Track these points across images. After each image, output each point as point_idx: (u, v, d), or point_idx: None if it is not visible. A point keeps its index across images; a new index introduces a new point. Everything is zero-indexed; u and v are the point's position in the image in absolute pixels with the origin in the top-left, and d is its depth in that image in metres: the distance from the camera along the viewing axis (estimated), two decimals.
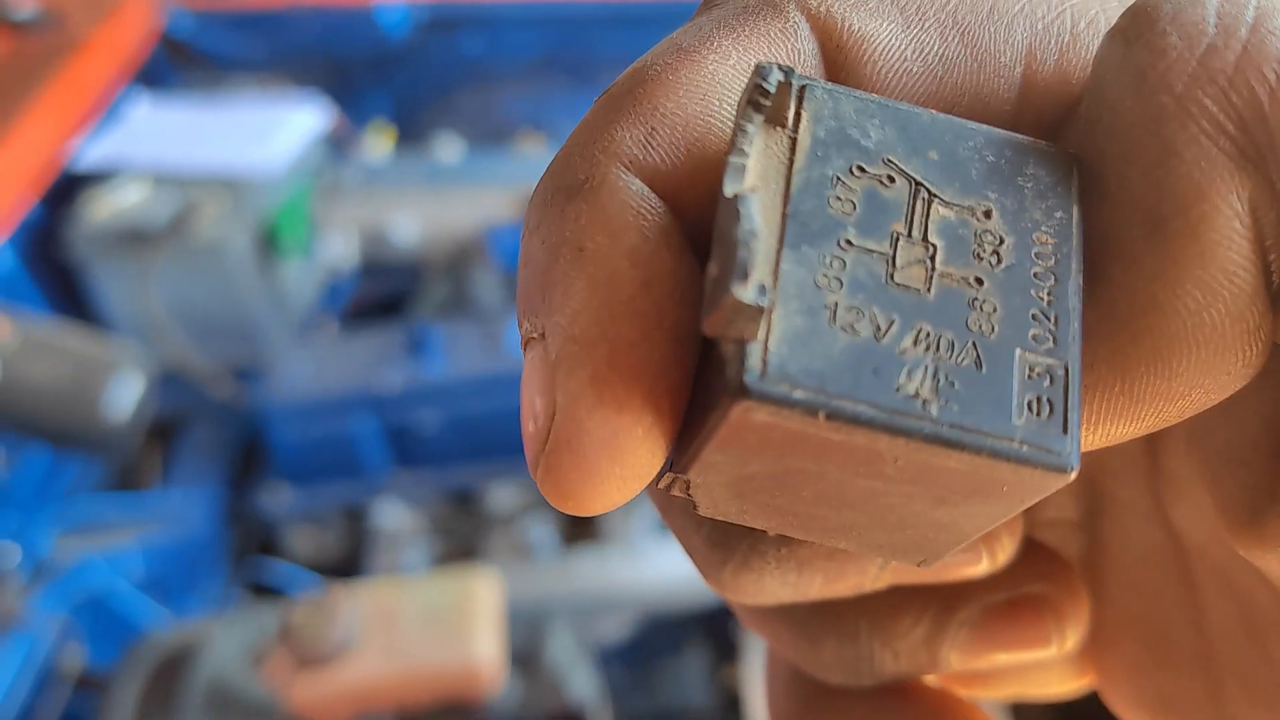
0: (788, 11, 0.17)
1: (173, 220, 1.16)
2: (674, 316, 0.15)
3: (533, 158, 1.32)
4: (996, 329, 0.15)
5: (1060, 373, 0.15)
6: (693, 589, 1.08)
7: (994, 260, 0.15)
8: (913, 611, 0.22)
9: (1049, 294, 0.15)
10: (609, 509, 0.16)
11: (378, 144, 1.42)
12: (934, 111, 0.16)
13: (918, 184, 0.15)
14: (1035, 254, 0.15)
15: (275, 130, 1.25)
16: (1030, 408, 0.14)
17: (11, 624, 0.93)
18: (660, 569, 1.07)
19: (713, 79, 0.17)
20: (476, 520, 1.16)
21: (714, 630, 1.13)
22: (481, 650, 0.85)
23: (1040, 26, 0.17)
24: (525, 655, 0.94)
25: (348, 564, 1.17)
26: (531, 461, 0.16)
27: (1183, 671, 0.21)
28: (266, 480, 1.18)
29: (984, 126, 0.16)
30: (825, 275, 0.15)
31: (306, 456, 1.16)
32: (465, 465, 1.17)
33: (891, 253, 0.15)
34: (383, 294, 1.33)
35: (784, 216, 0.15)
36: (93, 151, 1.22)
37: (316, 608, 0.84)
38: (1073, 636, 0.22)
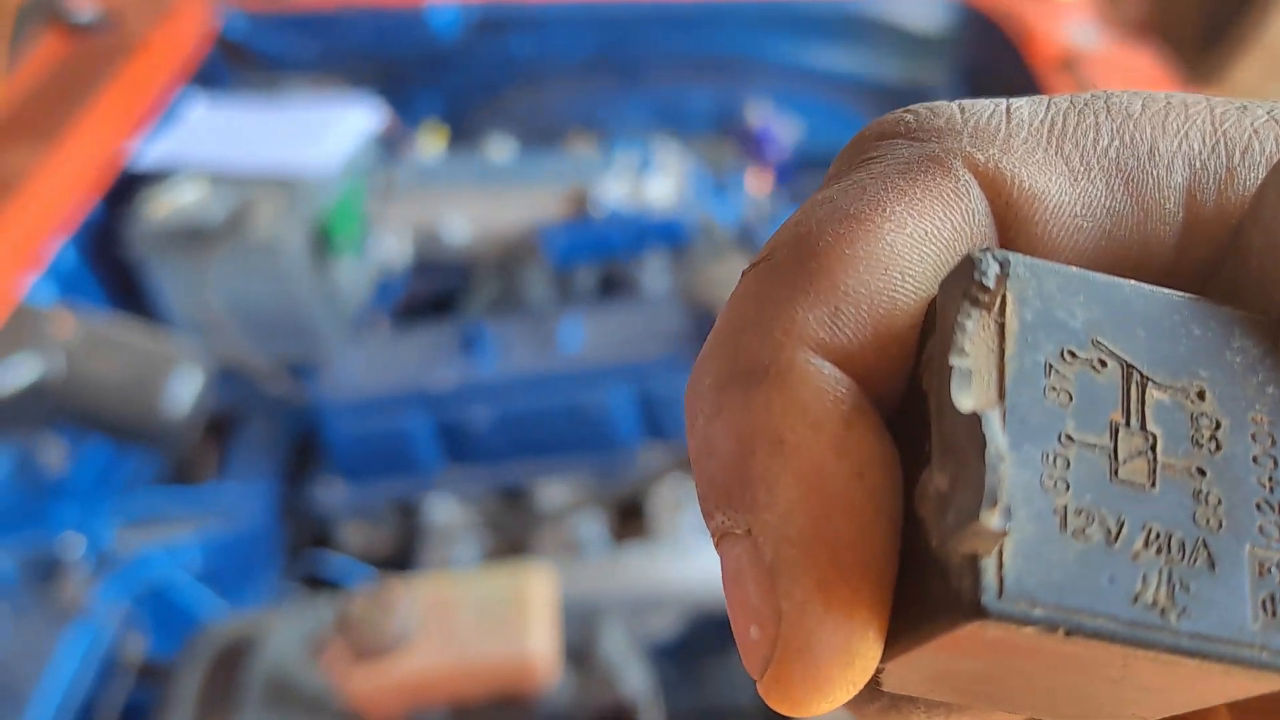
0: (955, 170, 0.16)
1: (229, 219, 1.18)
2: (889, 507, 0.15)
3: (583, 157, 1.33)
4: (1224, 523, 0.14)
5: None
6: None
7: (1213, 447, 0.15)
8: None
9: (1270, 479, 0.15)
10: (830, 711, 0.15)
11: (431, 144, 1.43)
12: (1134, 283, 0.15)
13: (1130, 367, 0.15)
14: (1253, 435, 0.15)
15: (329, 130, 1.27)
16: (1265, 607, 0.14)
17: (76, 613, 0.95)
18: (709, 567, 1.08)
19: (892, 251, 0.16)
20: (526, 516, 1.17)
21: None
22: (536, 644, 0.85)
23: (1198, 164, 0.17)
24: (578, 650, 0.95)
25: (399, 559, 1.18)
26: (756, 669, 0.15)
27: None
28: (320, 475, 1.20)
29: (1188, 295, 0.16)
30: (1050, 476, 0.14)
31: (360, 452, 1.17)
32: (516, 462, 1.18)
33: (1113, 445, 0.14)
34: (434, 292, 1.34)
35: (1003, 411, 0.14)
36: (151, 151, 1.25)
37: (374, 600, 0.85)
38: None
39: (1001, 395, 0.14)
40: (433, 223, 1.28)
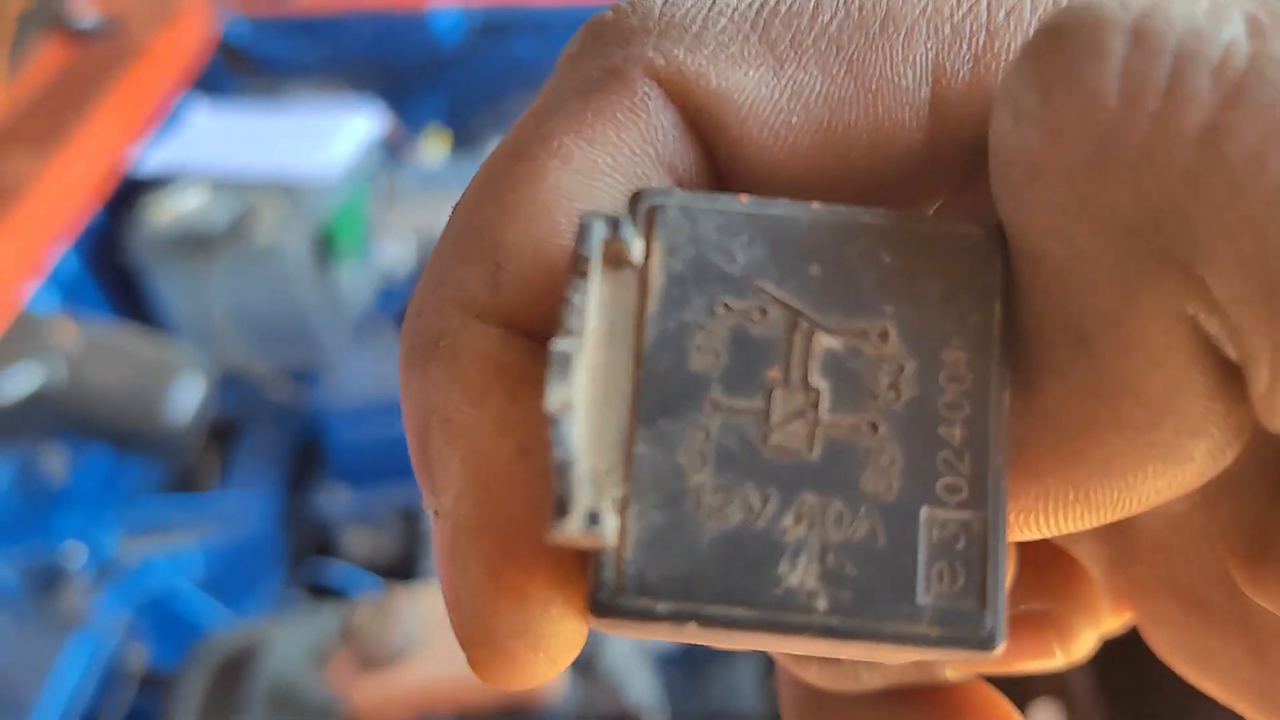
0: (633, 81, 0.15)
1: (232, 225, 1.17)
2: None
3: None
4: (896, 486, 0.13)
5: (976, 528, 0.13)
6: None
7: (892, 396, 0.13)
8: None
9: (963, 427, 0.13)
10: (549, 680, 0.15)
11: (433, 148, 1.43)
12: (818, 206, 0.14)
13: (796, 312, 0.13)
14: (944, 377, 0.13)
15: (332, 135, 1.26)
16: (940, 578, 0.12)
17: (78, 622, 0.95)
18: None
19: (557, 193, 0.14)
20: None
21: None
22: None
23: (949, 29, 0.15)
24: (583, 659, 0.94)
25: (402, 565, 1.18)
26: (461, 647, 0.15)
27: (1222, 632, 0.19)
28: (323, 482, 1.19)
29: (879, 214, 0.14)
30: (688, 452, 0.13)
31: (363, 458, 1.17)
32: None
33: (766, 409, 0.13)
34: None
35: (636, 382, 0.13)
36: (153, 157, 1.24)
37: (378, 609, 0.84)
38: (1081, 647, 0.20)
39: (639, 364, 0.13)
40: (436, 228, 1.28)
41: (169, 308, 1.21)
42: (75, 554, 1.01)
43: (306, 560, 1.19)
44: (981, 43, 0.15)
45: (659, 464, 0.13)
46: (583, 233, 0.13)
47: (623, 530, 0.12)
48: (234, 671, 0.89)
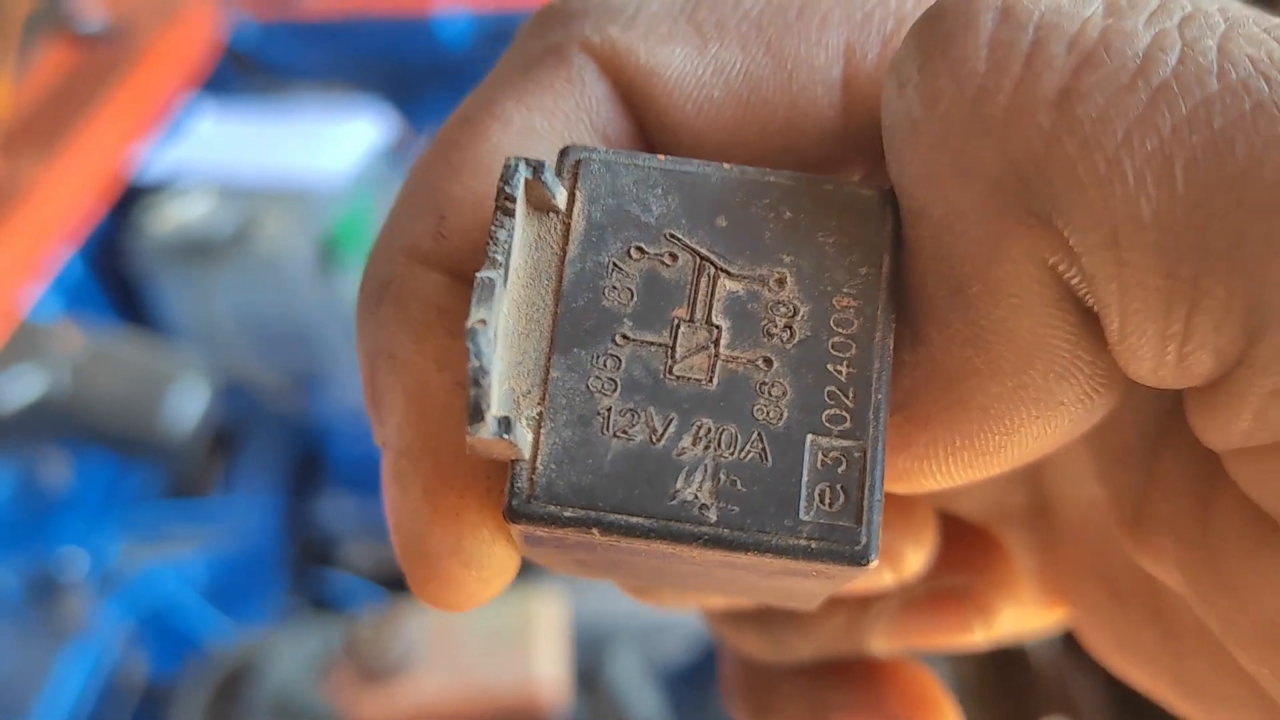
0: (570, 56, 0.16)
1: (236, 232, 1.17)
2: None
3: None
4: (785, 415, 0.14)
5: (857, 455, 0.14)
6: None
7: (786, 336, 0.14)
8: (829, 604, 0.21)
9: (849, 366, 0.14)
10: (483, 604, 0.16)
11: None
12: (727, 166, 0.15)
13: (702, 258, 0.14)
14: (834, 321, 0.14)
15: (338, 141, 1.26)
16: (822, 498, 0.14)
17: (78, 631, 0.94)
18: None
19: (496, 151, 0.16)
20: None
21: None
22: (544, 670, 0.84)
23: (860, 16, 0.16)
24: (587, 675, 0.93)
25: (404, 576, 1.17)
26: (401, 567, 0.16)
27: (1137, 618, 0.20)
28: (325, 490, 1.19)
29: (784, 175, 0.15)
30: (598, 378, 0.14)
31: (365, 467, 1.16)
32: None
33: (671, 343, 0.14)
34: None
35: (555, 316, 0.14)
36: (158, 162, 1.24)
37: (381, 623, 0.84)
38: (1001, 624, 0.21)
39: (558, 300, 0.14)
40: None
41: (172, 314, 1.20)
42: (76, 561, 1.00)
43: (308, 570, 1.18)
44: (890, 29, 0.16)
45: (571, 388, 0.14)
46: (506, 173, 0.14)
47: (535, 444, 0.14)
48: (235, 685, 0.88)
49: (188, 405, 1.03)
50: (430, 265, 0.16)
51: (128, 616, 0.98)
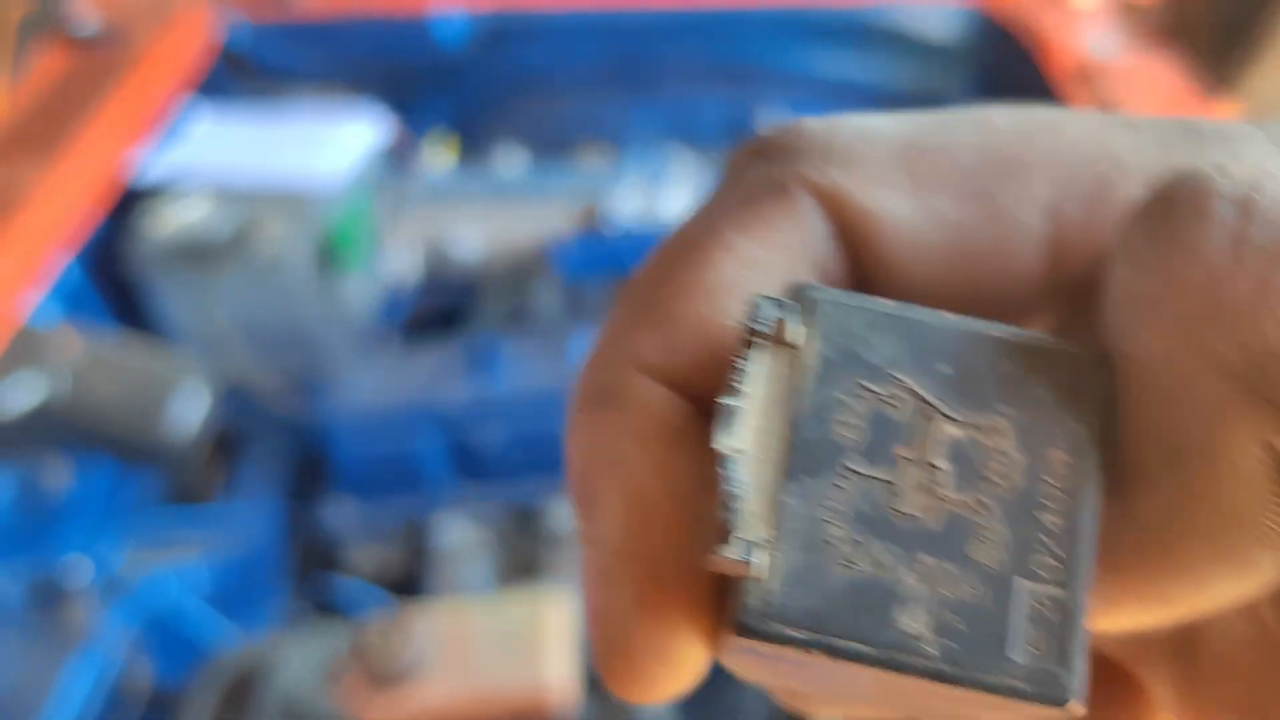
0: (794, 195, 0.17)
1: (235, 235, 1.16)
2: (704, 522, 0.16)
3: (595, 169, 1.31)
4: (1000, 559, 0.15)
5: (1065, 602, 0.15)
6: None
7: (1002, 483, 0.15)
8: None
9: (1061, 516, 0.15)
10: (673, 696, 0.17)
11: (441, 156, 1.42)
12: (950, 315, 0.16)
13: (926, 403, 0.15)
14: (1048, 473, 0.15)
15: (336, 143, 1.25)
16: (1031, 641, 0.14)
17: (82, 639, 0.93)
18: None
19: (720, 279, 0.17)
20: (539, 537, 1.15)
21: None
22: (555, 673, 0.84)
23: (1068, 177, 0.17)
24: (597, 678, 0.93)
25: (409, 579, 1.16)
26: (596, 658, 0.16)
27: None
28: (328, 494, 1.18)
29: (1003, 328, 0.16)
30: (827, 507, 0.15)
31: (368, 471, 1.16)
32: (528, 480, 1.16)
33: (895, 480, 0.15)
34: (440, 307, 1.32)
35: (787, 445, 0.15)
36: (156, 166, 1.23)
37: (390, 627, 0.83)
38: None
39: (792, 430, 0.15)
40: (443, 238, 1.26)
41: (172, 318, 1.20)
42: (79, 568, 1.00)
43: (312, 574, 1.17)
44: (1096, 194, 0.17)
45: (802, 515, 0.15)
46: (755, 310, 0.15)
47: (770, 564, 0.15)
48: (242, 691, 0.87)
49: (189, 410, 1.02)
50: (654, 377, 0.17)
51: (132, 623, 0.98)
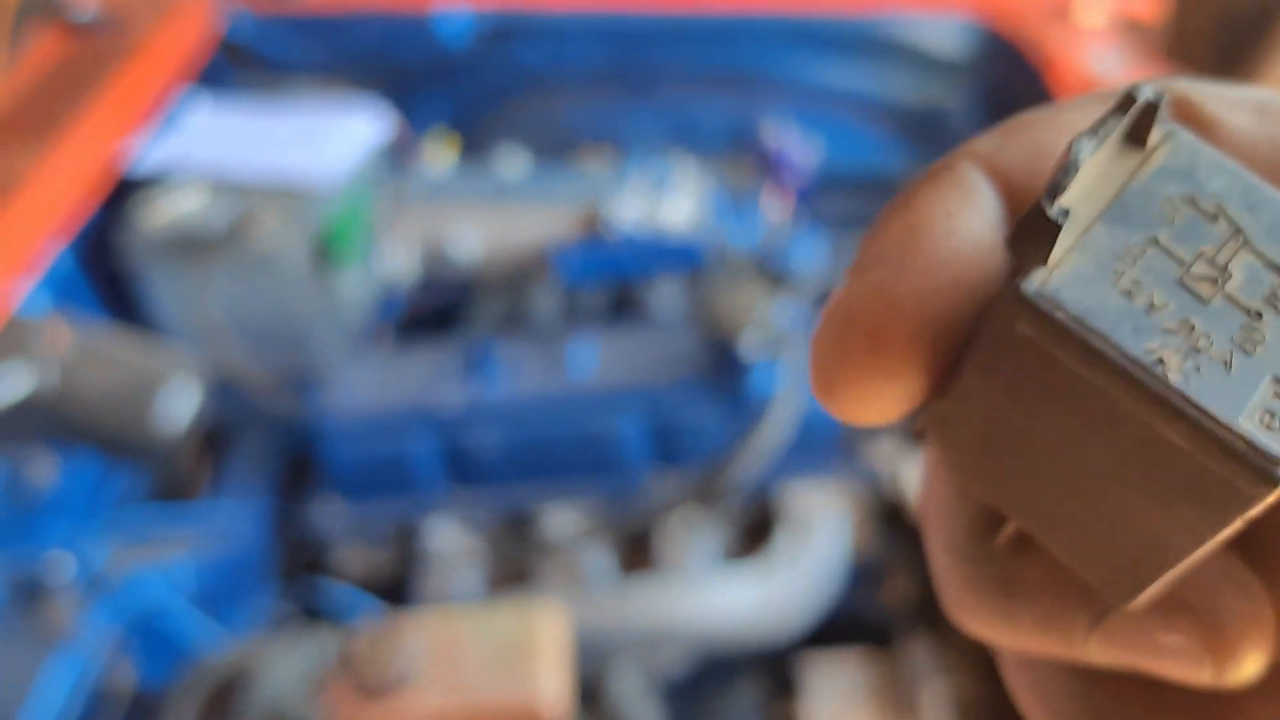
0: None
1: (230, 228, 1.14)
2: (965, 273, 0.17)
3: (597, 173, 1.30)
4: (1259, 351, 0.15)
5: None
6: (753, 622, 1.05)
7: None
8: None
9: None
10: (859, 415, 0.17)
11: (442, 155, 1.40)
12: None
13: (1238, 230, 0.16)
14: None
15: (335, 137, 1.23)
16: (1262, 420, 0.15)
17: (64, 638, 0.91)
18: (720, 602, 1.05)
19: (1070, 125, 0.18)
20: (531, 544, 1.14)
21: (772, 667, 1.10)
22: (547, 685, 0.82)
23: None
24: (588, 689, 0.92)
25: (398, 583, 1.15)
26: (818, 346, 0.17)
27: None
28: (317, 494, 1.16)
29: None
30: (1127, 252, 0.16)
31: (359, 471, 1.14)
32: (521, 486, 1.14)
33: (1191, 263, 0.16)
34: (437, 308, 1.31)
35: (1112, 199, 0.16)
36: (151, 156, 1.21)
37: (378, 637, 0.82)
38: (1238, 670, 0.19)
39: (1119, 194, 0.16)
40: (442, 238, 1.25)
41: (163, 311, 1.18)
42: (61, 565, 0.98)
43: (299, 577, 1.16)
44: None
45: (1102, 246, 0.16)
46: (1136, 87, 0.16)
47: (1056, 265, 0.16)
48: (226, 696, 0.86)
49: (179, 406, 1.00)
50: (979, 165, 0.18)
51: (115, 622, 0.96)
